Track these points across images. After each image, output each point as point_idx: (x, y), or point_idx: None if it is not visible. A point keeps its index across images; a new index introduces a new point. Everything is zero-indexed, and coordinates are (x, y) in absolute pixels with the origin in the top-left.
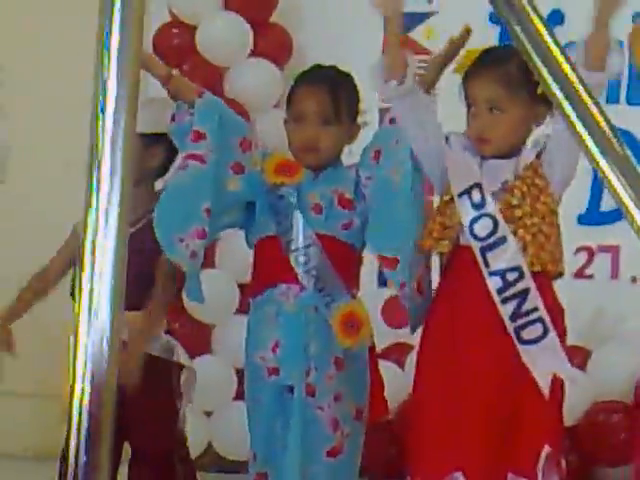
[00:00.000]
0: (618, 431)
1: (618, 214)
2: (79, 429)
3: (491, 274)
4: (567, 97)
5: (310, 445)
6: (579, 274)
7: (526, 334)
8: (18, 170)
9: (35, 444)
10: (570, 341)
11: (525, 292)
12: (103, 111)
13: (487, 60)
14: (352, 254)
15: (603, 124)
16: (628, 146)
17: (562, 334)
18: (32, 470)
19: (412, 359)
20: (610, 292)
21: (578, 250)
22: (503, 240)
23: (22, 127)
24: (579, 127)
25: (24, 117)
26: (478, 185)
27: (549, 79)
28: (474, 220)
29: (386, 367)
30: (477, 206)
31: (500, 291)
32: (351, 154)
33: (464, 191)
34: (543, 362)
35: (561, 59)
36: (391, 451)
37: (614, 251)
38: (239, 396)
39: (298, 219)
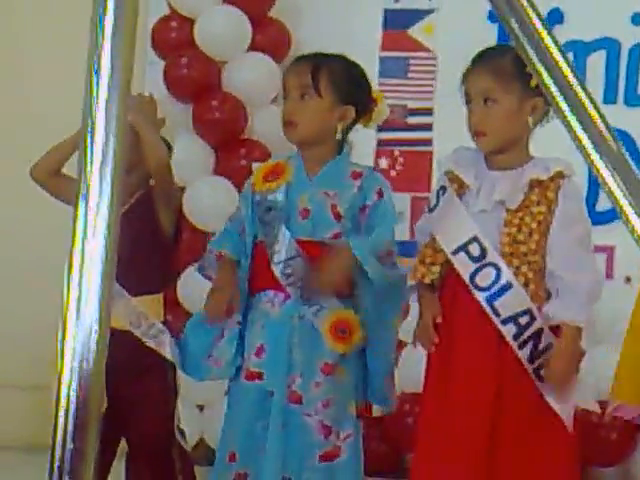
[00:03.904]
0: (610, 431)
1: (613, 214)
2: (66, 419)
3: (503, 322)
4: (564, 96)
5: (299, 452)
6: None
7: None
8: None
9: (28, 435)
10: None
11: (539, 332)
12: (96, 100)
13: (480, 57)
14: None
15: (600, 123)
16: (625, 147)
17: None
18: (24, 461)
19: (405, 355)
20: (604, 292)
21: None
22: (509, 286)
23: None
24: (575, 126)
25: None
26: (475, 239)
27: (546, 77)
28: (475, 272)
29: None
30: (477, 259)
31: (516, 337)
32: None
33: (458, 248)
34: (564, 397)
35: (559, 58)
36: (382, 447)
37: (609, 251)
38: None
39: (282, 231)
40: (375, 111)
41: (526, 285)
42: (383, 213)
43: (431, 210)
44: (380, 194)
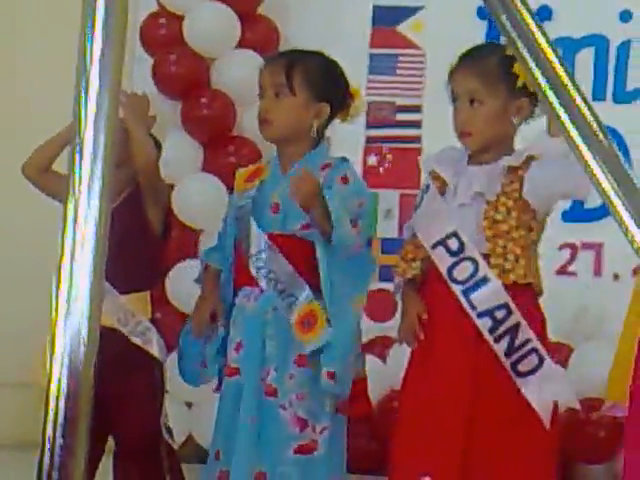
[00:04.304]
0: (598, 429)
1: (602, 211)
2: (56, 414)
3: (479, 315)
4: (555, 92)
5: (273, 445)
6: (562, 271)
7: (522, 367)
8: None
9: (19, 433)
10: (553, 338)
11: (516, 327)
12: (86, 98)
13: (467, 56)
14: (314, 251)
15: (591, 119)
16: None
17: (545, 344)
18: (16, 458)
19: (394, 352)
20: (593, 289)
21: (562, 247)
22: (485, 280)
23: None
24: (566, 122)
25: None
26: (454, 234)
27: (537, 73)
28: (453, 266)
29: (368, 360)
30: (455, 253)
31: (492, 330)
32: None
33: (437, 243)
34: (543, 392)
35: (550, 53)
36: (371, 445)
37: (597, 248)
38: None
39: (253, 225)
40: (352, 107)
41: (517, 261)
42: (345, 197)
43: (417, 208)
44: (345, 180)
